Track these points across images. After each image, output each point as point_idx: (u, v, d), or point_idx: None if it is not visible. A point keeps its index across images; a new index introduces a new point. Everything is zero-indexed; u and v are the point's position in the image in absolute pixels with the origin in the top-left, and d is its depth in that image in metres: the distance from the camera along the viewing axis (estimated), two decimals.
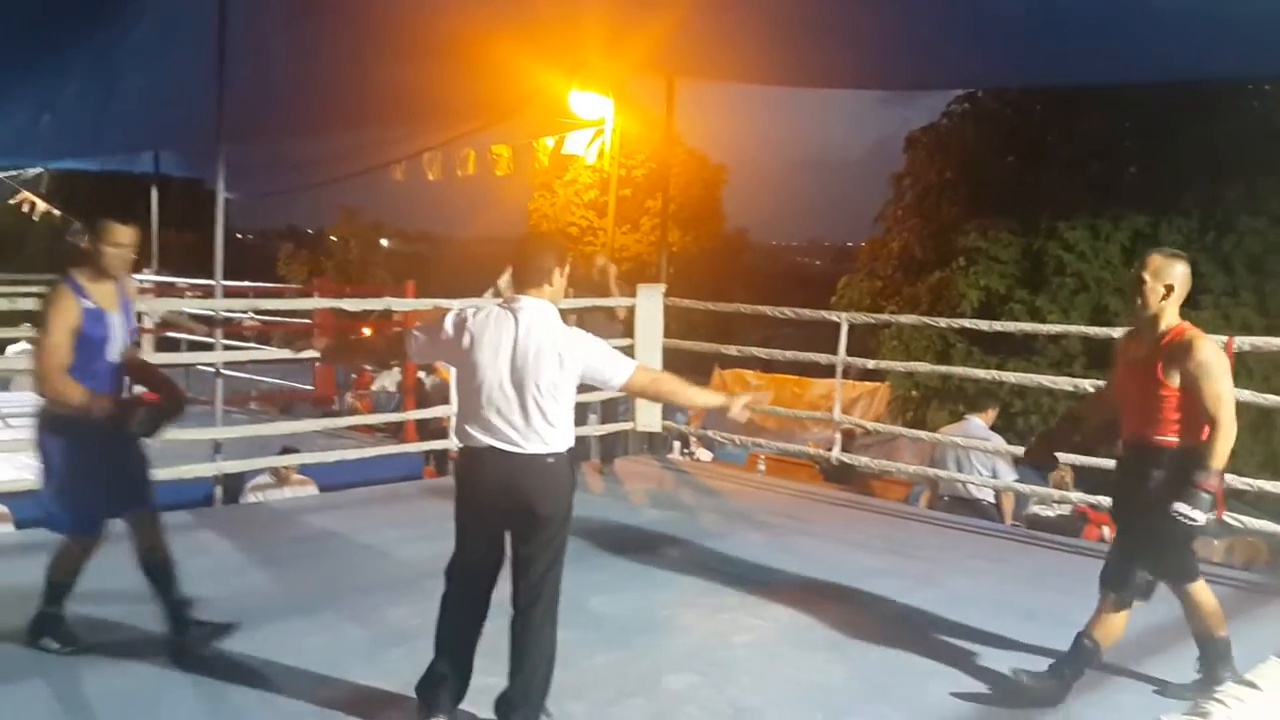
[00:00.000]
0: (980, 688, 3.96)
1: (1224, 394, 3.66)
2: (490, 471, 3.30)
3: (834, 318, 7.67)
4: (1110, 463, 6.52)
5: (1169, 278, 3.82)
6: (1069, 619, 4.12)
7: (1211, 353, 3.70)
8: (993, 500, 7.41)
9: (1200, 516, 3.60)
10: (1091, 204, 13.97)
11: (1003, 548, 6.29)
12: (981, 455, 7.24)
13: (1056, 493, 7.36)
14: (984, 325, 7.52)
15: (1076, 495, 6.85)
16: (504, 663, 3.37)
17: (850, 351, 7.54)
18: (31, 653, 4.00)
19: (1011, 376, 7.76)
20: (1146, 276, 3.84)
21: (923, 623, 4.65)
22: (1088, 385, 6.73)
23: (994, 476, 7.20)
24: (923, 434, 7.64)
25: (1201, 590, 3.90)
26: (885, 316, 10.32)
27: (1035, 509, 7.74)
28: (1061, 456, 6.98)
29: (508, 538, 3.40)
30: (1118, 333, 7.38)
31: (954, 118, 16.20)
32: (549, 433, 3.29)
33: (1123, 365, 4.04)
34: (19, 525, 5.88)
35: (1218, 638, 3.90)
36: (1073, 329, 8.61)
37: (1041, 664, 4.00)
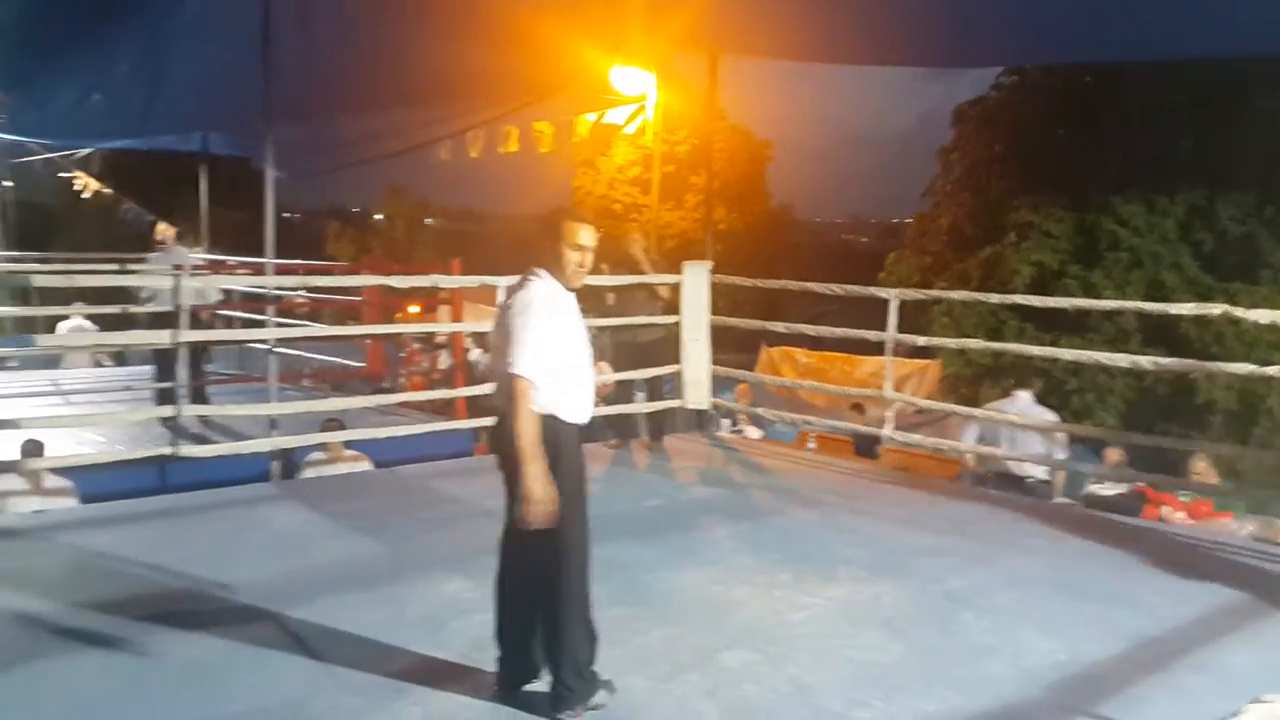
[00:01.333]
0: (1038, 666, 3.93)
1: None
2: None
3: (883, 294, 7.59)
4: (1166, 441, 6.47)
5: None
6: (1127, 598, 4.08)
7: None
8: (1043, 478, 7.33)
9: None
10: (1145, 178, 13.72)
11: (1058, 526, 6.20)
12: (1034, 432, 7.16)
13: (1113, 471, 7.27)
14: (1037, 301, 7.36)
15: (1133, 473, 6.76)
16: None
17: (900, 329, 7.47)
18: (103, 621, 4.10)
19: (1066, 353, 7.64)
20: None
21: (979, 601, 4.60)
22: (1145, 362, 6.61)
23: (1047, 454, 7.12)
24: (976, 411, 7.54)
25: None
26: (936, 293, 10.17)
27: (1093, 487, 7.65)
28: (1117, 436, 6.94)
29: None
30: (1175, 309, 7.29)
31: (1003, 90, 15.97)
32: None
33: None
34: (83, 500, 6.00)
35: None
36: (1129, 305, 8.47)
37: (1101, 643, 3.96)
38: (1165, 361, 6.58)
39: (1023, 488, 7.29)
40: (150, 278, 8.06)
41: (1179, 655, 4.06)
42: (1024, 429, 7.23)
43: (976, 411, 7.61)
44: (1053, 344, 12.45)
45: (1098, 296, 12.62)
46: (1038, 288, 13.53)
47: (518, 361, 3.23)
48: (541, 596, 3.41)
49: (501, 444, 3.41)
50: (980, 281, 14.54)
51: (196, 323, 7.15)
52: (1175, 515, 6.90)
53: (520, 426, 3.23)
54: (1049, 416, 7.60)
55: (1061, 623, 4.36)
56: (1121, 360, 6.92)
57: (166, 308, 7.88)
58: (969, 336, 13.23)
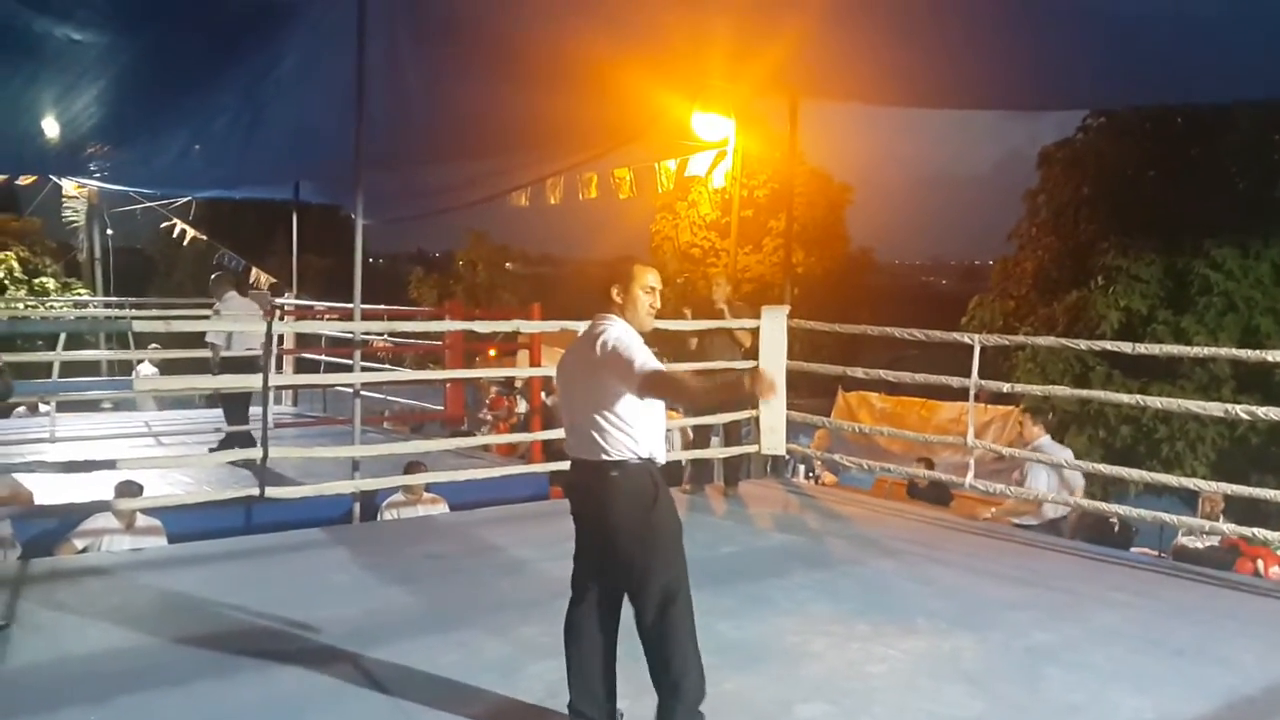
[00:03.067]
0: None
1: None
2: (570, 480, 3.54)
3: (966, 339, 7.48)
4: (1263, 492, 6.24)
5: None
6: (1218, 655, 3.93)
7: None
8: (1057, 516, 7.49)
9: None
10: (1239, 221, 13.31)
11: (1146, 580, 6.00)
12: (1044, 470, 7.34)
13: (1205, 523, 7.01)
14: (1127, 347, 7.18)
15: (1228, 526, 6.50)
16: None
17: (981, 374, 7.34)
18: (188, 658, 4.21)
19: (1157, 401, 7.43)
20: None
21: (1064, 657, 4.47)
22: (1239, 410, 6.38)
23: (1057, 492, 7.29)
24: (1059, 458, 7.35)
25: None
26: (1021, 338, 9.99)
27: (1183, 540, 7.38)
28: (1212, 485, 6.71)
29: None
30: (1271, 355, 7.04)
31: (1090, 132, 15.67)
32: (604, 443, 3.36)
33: None
34: (171, 539, 6.17)
35: None
36: (1222, 351, 8.15)
37: (1191, 703, 3.82)
38: (1262, 411, 6.35)
39: (1055, 529, 7.40)
40: (228, 323, 8.31)
41: (1271, 716, 3.88)
42: (1056, 467, 7.34)
43: (1060, 459, 7.41)
44: (1142, 391, 12.10)
45: (1189, 343, 12.24)
46: (1126, 333, 13.18)
47: (639, 364, 3.26)
48: (655, 641, 3.38)
49: (580, 490, 3.43)
50: (1067, 327, 14.21)
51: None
52: (1271, 570, 6.62)
53: (694, 391, 3.56)
54: (1067, 454, 7.68)
55: (1151, 680, 4.21)
56: (1215, 409, 6.70)
57: (238, 352, 8.18)
58: (1054, 383, 12.94)
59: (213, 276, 9.49)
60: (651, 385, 3.25)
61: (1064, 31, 6.30)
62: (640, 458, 3.37)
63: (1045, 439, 7.56)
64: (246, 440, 7.85)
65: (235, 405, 8.40)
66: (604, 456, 3.35)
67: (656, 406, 3.44)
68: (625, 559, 3.37)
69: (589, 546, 3.51)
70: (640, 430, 3.36)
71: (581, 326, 7.15)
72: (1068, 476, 7.46)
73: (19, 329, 10.89)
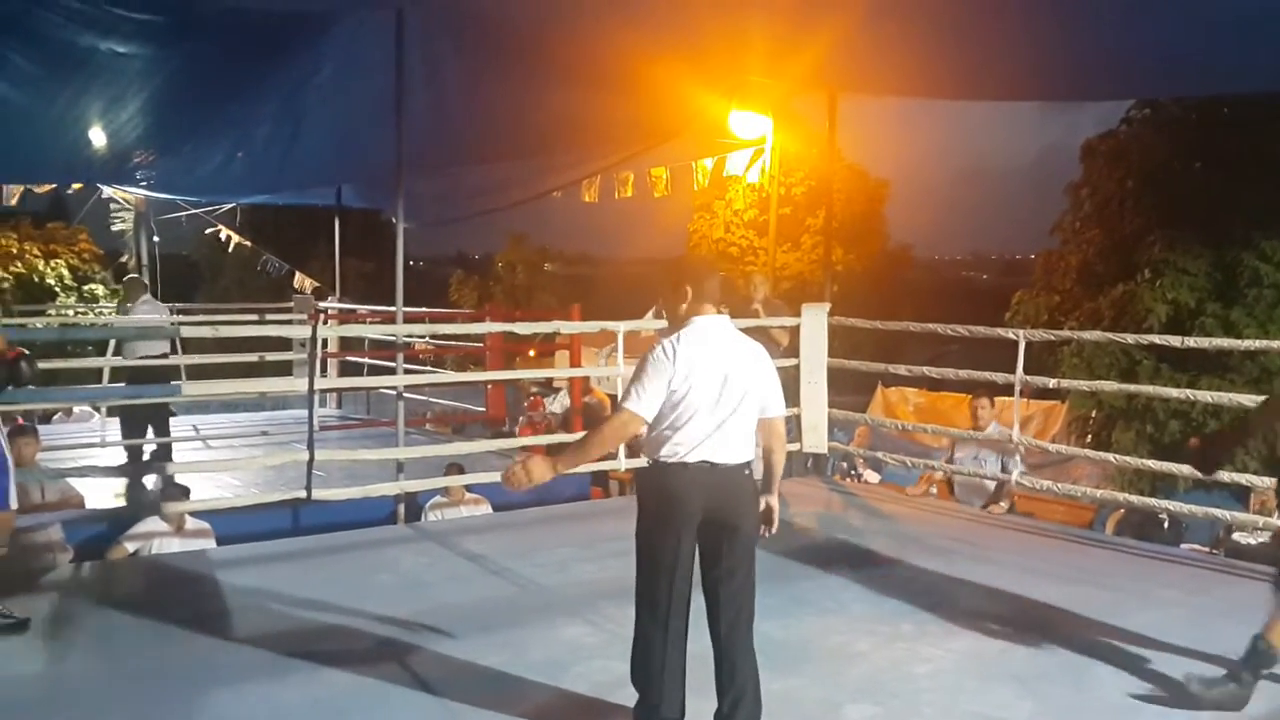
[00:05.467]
0: None
1: None
2: (705, 484, 3.35)
3: (1010, 335, 7.39)
4: None
5: None
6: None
7: None
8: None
9: None
10: None
11: (1197, 578, 5.90)
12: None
13: (1258, 519, 6.88)
14: (1175, 341, 7.06)
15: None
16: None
17: (1026, 369, 7.25)
18: (237, 659, 4.27)
19: (1207, 395, 7.29)
20: None
21: (1114, 657, 4.40)
22: None
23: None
24: (1110, 455, 7.28)
25: None
26: (1067, 333, 9.83)
27: (1235, 536, 7.26)
28: (1264, 481, 6.57)
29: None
30: None
31: (1134, 124, 15.44)
32: (744, 444, 3.44)
33: None
34: (220, 541, 6.27)
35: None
36: (1273, 344, 8.02)
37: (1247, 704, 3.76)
38: None
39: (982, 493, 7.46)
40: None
41: None
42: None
43: (1110, 456, 7.31)
44: (1191, 385, 11.89)
45: (1238, 335, 12.03)
46: (1174, 327, 12.98)
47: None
48: (748, 630, 3.41)
49: (720, 491, 3.38)
50: (1113, 321, 14.01)
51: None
52: None
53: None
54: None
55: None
56: None
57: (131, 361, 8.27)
58: (1101, 377, 12.76)
59: (125, 279, 9.63)
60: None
61: (1108, 19, 6.20)
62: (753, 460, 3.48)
63: (994, 425, 7.52)
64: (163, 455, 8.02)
65: (133, 418, 8.62)
66: (746, 458, 3.41)
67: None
68: (744, 561, 3.39)
69: (708, 551, 3.43)
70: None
71: (621, 325, 7.20)
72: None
73: (69, 335, 11.11)
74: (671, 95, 8.57)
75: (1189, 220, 13.80)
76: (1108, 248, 15.20)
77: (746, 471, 3.39)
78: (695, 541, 3.37)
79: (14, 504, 4.44)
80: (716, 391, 3.35)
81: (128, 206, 14.95)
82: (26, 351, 4.40)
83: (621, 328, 7.42)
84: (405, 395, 7.52)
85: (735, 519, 3.35)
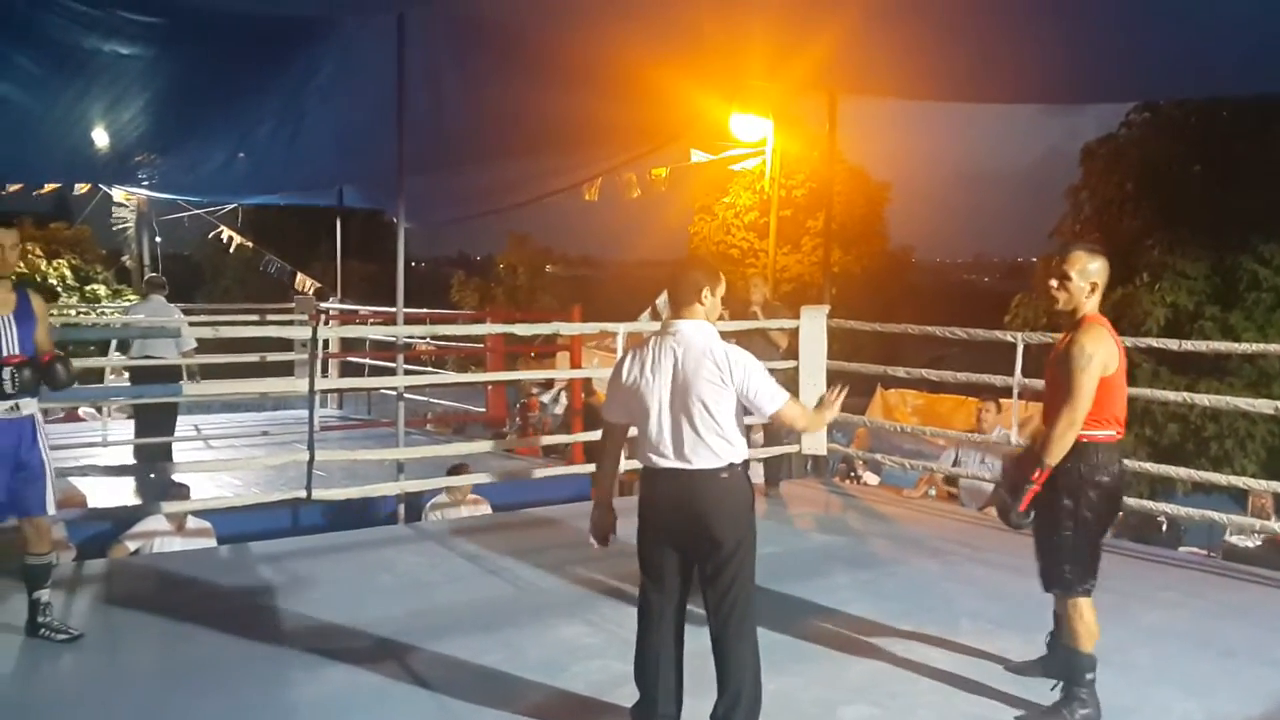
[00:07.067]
0: None
1: (1082, 383, 3.62)
2: (666, 490, 3.38)
3: (1009, 338, 7.42)
4: None
5: (1095, 276, 3.83)
6: (1273, 658, 3.87)
7: (1088, 340, 3.68)
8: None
9: (1013, 509, 3.63)
10: None
11: (1196, 580, 5.92)
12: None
13: (1256, 522, 6.91)
14: (1174, 344, 7.08)
15: (1279, 525, 6.40)
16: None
17: (1025, 372, 7.27)
18: (236, 658, 4.29)
19: (1205, 398, 7.32)
20: (1072, 274, 3.82)
21: (1111, 658, 4.39)
22: None
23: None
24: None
25: (1085, 604, 3.81)
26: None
27: (1232, 539, 7.28)
28: (1262, 484, 6.59)
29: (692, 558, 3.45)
30: None
31: (1134, 127, 15.45)
32: (719, 447, 3.35)
33: (1047, 364, 4.02)
34: (220, 540, 6.29)
35: (1085, 653, 3.79)
36: (1271, 347, 8.03)
37: (1243, 704, 3.79)
38: None
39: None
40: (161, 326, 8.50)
41: None
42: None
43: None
44: (1189, 388, 11.91)
45: (1237, 339, 12.05)
46: (1173, 330, 13.00)
47: (773, 398, 3.44)
48: (741, 631, 3.41)
49: (684, 496, 3.41)
50: (1112, 323, 13.94)
51: None
52: None
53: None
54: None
55: (1201, 682, 4.17)
56: (1265, 406, 6.60)
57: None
58: None
59: (145, 279, 9.67)
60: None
61: (1108, 21, 6.22)
62: (742, 462, 3.44)
63: (999, 429, 7.67)
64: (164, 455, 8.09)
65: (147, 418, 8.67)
66: (716, 463, 3.37)
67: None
68: (731, 563, 3.39)
69: (693, 555, 3.46)
70: (741, 436, 3.45)
71: (621, 327, 7.21)
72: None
73: (70, 335, 11.12)
74: (673, 98, 8.60)
75: (1188, 224, 13.82)
76: (1107, 252, 15.14)
77: (724, 475, 3.37)
78: (674, 545, 3.41)
79: (53, 509, 4.44)
80: (670, 396, 3.38)
81: (130, 207, 15.00)
82: (60, 354, 4.41)
83: (621, 329, 7.44)
84: (406, 396, 7.54)
85: (710, 524, 3.35)
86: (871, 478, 10.20)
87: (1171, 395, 7.42)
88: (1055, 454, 3.66)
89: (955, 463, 7.73)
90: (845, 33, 6.94)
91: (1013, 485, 3.82)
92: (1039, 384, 7.66)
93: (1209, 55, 6.39)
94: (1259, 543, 6.94)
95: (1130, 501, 7.09)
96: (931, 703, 3.95)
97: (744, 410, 3.44)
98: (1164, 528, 8.10)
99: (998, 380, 7.42)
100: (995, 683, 4.15)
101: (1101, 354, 3.69)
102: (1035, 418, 12.10)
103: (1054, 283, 3.87)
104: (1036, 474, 3.65)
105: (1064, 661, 3.88)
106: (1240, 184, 13.66)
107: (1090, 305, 3.84)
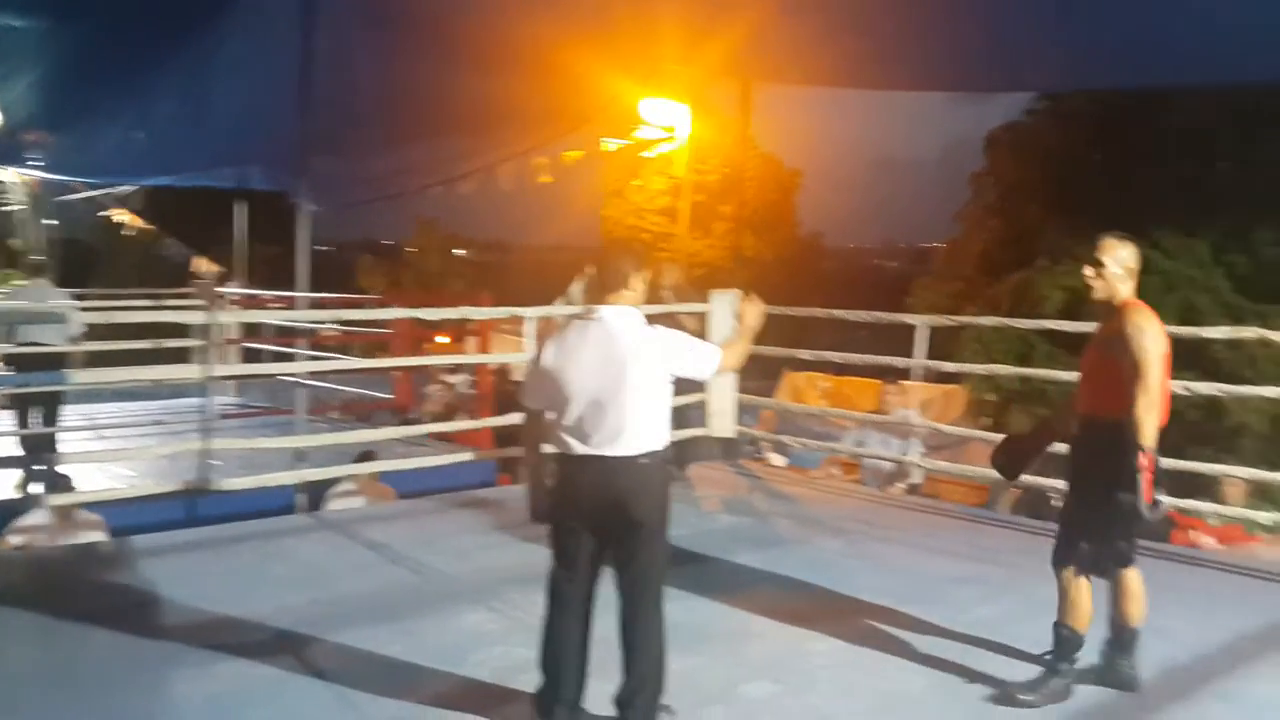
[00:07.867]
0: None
1: (1152, 362, 3.66)
2: (585, 477, 3.35)
3: (911, 321, 7.56)
4: (1198, 465, 6.41)
5: (1128, 261, 3.97)
6: (1153, 625, 4.01)
7: (1145, 321, 3.77)
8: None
9: (1139, 502, 3.56)
10: (1182, 201, 13.56)
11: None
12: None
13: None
14: (1068, 326, 7.30)
15: (1164, 499, 6.63)
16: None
17: (931, 354, 7.42)
18: (126, 655, 4.14)
19: None
20: (1107, 261, 3.94)
21: (1006, 630, 4.54)
22: (1176, 387, 6.49)
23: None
24: (999, 436, 7.46)
25: (1134, 577, 3.89)
26: (962, 319, 10.09)
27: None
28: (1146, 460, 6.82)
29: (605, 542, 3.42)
30: (1207, 333, 7.18)
31: (1037, 116, 15.88)
32: (642, 434, 3.33)
33: (1088, 349, 4.11)
34: (112, 533, 6.07)
35: (1133, 627, 3.90)
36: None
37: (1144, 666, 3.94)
38: (1197, 386, 6.48)
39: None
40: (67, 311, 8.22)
41: (1204, 683, 4.02)
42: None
43: (999, 437, 7.51)
44: None
45: None
46: (1069, 313, 13.41)
47: (708, 359, 3.53)
48: (650, 616, 3.41)
49: (606, 481, 3.36)
50: (1011, 307, 14.41)
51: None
52: (1204, 540, 6.77)
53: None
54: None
55: (1087, 651, 4.28)
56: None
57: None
58: (998, 362, 13.12)
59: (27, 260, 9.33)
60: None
61: (1019, 13, 6.33)
62: (660, 448, 3.39)
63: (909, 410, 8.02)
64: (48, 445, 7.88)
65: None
66: (637, 450, 3.32)
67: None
68: (642, 549, 3.38)
69: (604, 539, 3.42)
70: (664, 423, 3.42)
71: (530, 311, 7.14)
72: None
73: None
74: (585, 81, 8.53)
75: (1086, 209, 14.26)
76: (1008, 236, 15.65)
77: (644, 460, 3.34)
78: (591, 531, 3.38)
79: None
80: (592, 383, 3.32)
81: (20, 187, 14.37)
82: None
83: (530, 313, 7.37)
84: (310, 383, 7.37)
85: (629, 510, 3.33)
86: (778, 459, 10.31)
87: (1065, 375, 7.63)
88: (1148, 435, 3.61)
89: (860, 443, 7.86)
90: (758, 18, 6.96)
91: (1013, 459, 4.07)
92: (939, 365, 7.90)
93: (1110, 46, 6.56)
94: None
95: (1026, 478, 7.30)
96: (832, 679, 4.01)
97: (673, 393, 3.41)
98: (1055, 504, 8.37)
99: (899, 361, 7.56)
100: (894, 656, 4.23)
101: (1161, 333, 3.75)
102: (936, 399, 12.46)
103: (1089, 272, 3.92)
104: (1142, 460, 3.56)
105: (1060, 639, 3.91)
106: (1137, 171, 14.15)
107: (1127, 290, 3.91)
